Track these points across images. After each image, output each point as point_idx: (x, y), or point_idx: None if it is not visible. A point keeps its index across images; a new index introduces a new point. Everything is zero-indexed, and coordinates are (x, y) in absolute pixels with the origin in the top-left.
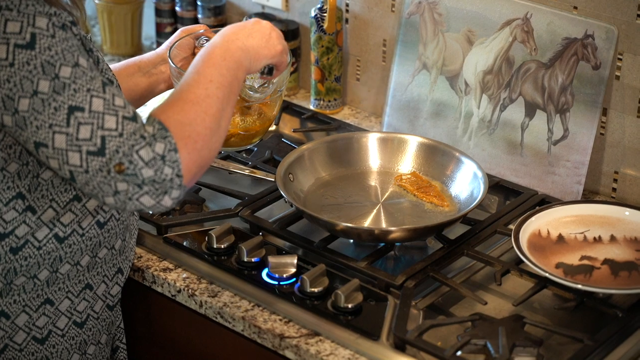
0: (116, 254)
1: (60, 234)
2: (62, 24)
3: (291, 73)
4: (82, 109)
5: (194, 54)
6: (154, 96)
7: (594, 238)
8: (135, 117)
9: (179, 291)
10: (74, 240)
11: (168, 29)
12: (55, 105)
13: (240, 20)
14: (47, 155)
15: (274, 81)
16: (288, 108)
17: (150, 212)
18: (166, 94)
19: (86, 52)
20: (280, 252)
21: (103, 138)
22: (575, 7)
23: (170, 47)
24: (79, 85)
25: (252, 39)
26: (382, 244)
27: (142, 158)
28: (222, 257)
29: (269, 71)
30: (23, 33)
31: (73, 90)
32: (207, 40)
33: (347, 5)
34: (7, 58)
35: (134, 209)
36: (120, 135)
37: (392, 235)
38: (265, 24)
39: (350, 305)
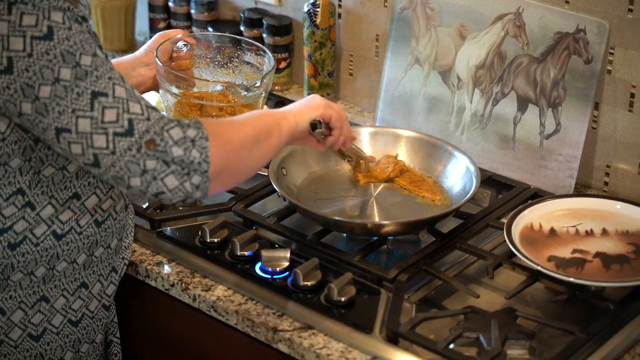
0: (112, 253)
1: (58, 231)
2: (75, 17)
3: (284, 69)
4: (105, 94)
5: (171, 58)
6: None
7: (586, 231)
8: (155, 108)
9: (173, 285)
10: (72, 238)
11: (161, 25)
12: (78, 91)
13: (233, 16)
14: (70, 141)
15: (265, 81)
16: (281, 103)
17: (168, 199)
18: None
19: (98, 47)
20: (273, 246)
21: (130, 120)
22: (567, 2)
23: (157, 49)
24: (100, 72)
25: (296, 103)
26: (375, 238)
27: (172, 137)
28: (216, 251)
29: (320, 125)
30: (39, 26)
31: (95, 77)
32: (185, 45)
33: (339, 0)
34: (25, 49)
35: (155, 191)
36: (148, 119)
37: (385, 229)
38: (316, 96)
39: (343, 299)
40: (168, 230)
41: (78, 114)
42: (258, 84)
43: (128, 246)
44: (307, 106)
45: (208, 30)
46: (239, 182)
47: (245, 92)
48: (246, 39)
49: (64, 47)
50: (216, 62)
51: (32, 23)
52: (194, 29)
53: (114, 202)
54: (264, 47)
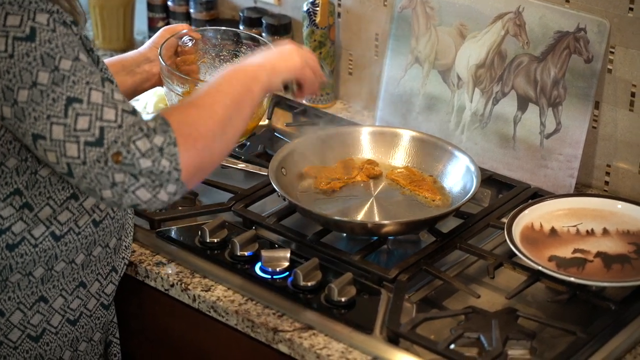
0: (111, 252)
1: (57, 232)
2: (63, 20)
3: None
4: (80, 101)
5: (176, 54)
6: (139, 94)
7: (587, 231)
8: (134, 111)
9: (172, 285)
10: (70, 239)
11: (160, 24)
12: (54, 97)
13: (233, 15)
14: (45, 148)
15: None
16: (281, 102)
17: (146, 208)
18: (155, 90)
19: (86, 50)
20: (273, 246)
21: (102, 129)
22: (567, 1)
23: (161, 46)
24: (78, 77)
25: (271, 57)
26: (375, 238)
27: (139, 148)
28: (215, 251)
29: (291, 87)
30: (23, 26)
31: (72, 82)
32: (190, 40)
33: None
34: (7, 50)
35: (130, 203)
36: (120, 126)
37: (385, 229)
38: (288, 43)
39: (343, 299)
40: (168, 230)
41: (52, 120)
42: None
43: (128, 246)
44: (283, 63)
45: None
46: (216, 167)
47: None
48: (252, 34)
49: (45, 49)
50: (221, 58)
51: (15, 23)
52: (181, 23)
53: None
54: (270, 44)
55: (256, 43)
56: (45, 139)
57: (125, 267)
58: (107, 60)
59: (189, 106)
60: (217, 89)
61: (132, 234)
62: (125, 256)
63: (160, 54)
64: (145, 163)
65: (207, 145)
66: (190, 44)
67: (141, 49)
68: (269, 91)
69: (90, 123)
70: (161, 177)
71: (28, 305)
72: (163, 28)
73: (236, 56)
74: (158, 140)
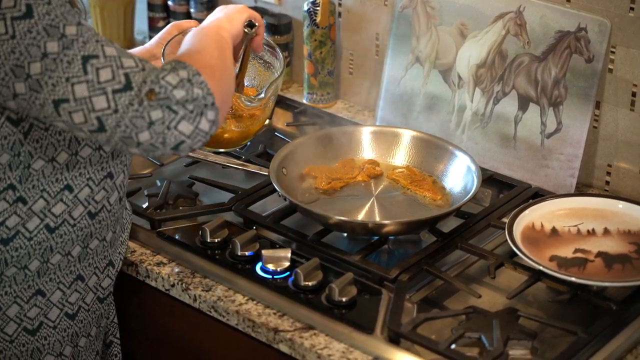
0: (107, 245)
1: (51, 224)
2: None
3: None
4: (96, 56)
5: None
6: None
7: (588, 231)
8: (147, 62)
9: (173, 285)
10: (65, 231)
11: (161, 24)
12: (68, 60)
13: None
14: (70, 110)
15: (272, 87)
16: (281, 102)
17: (190, 146)
18: None
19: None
20: (274, 246)
21: (127, 75)
22: (568, 0)
23: (165, 45)
24: (87, 37)
25: (218, 13)
26: (376, 238)
27: (169, 82)
28: (216, 251)
29: (250, 25)
30: (18, 6)
31: (82, 43)
32: None
33: None
34: (7, 32)
35: (173, 141)
36: (143, 70)
37: (386, 229)
38: (218, 7)
39: (344, 299)
40: (169, 230)
41: (73, 81)
42: (262, 95)
43: (124, 241)
44: (232, 12)
45: None
46: (230, 104)
47: (249, 103)
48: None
49: (46, 22)
50: None
51: (10, 4)
52: (189, 20)
53: (107, 194)
54: (277, 47)
55: (268, 45)
56: (69, 100)
57: (121, 261)
58: None
59: (190, 53)
60: (198, 42)
61: (129, 229)
62: (122, 251)
63: (163, 54)
64: (180, 93)
65: (221, 75)
66: None
67: (147, 45)
68: (233, 37)
69: (113, 73)
70: (198, 103)
71: (25, 299)
72: (171, 24)
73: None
74: (183, 73)
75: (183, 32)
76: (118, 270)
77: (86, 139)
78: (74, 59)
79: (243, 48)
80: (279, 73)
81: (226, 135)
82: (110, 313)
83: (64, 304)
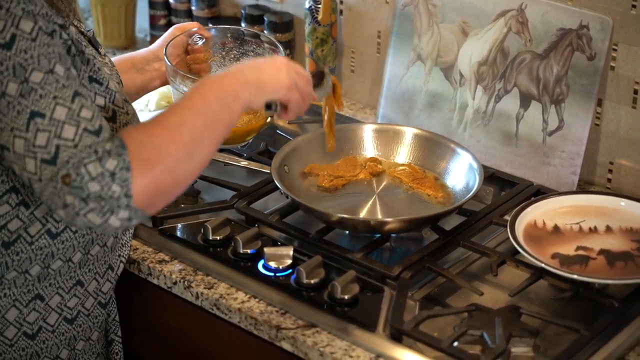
0: (108, 251)
1: (53, 229)
2: (50, 30)
3: None
4: (42, 115)
5: (187, 52)
6: (149, 92)
7: (590, 228)
8: (98, 132)
9: (175, 283)
10: (67, 237)
11: (162, 21)
12: (19, 109)
13: (234, 13)
14: (10, 159)
15: None
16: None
17: (102, 232)
18: (162, 90)
19: (71, 58)
20: (276, 243)
21: (58, 147)
22: None
23: (166, 46)
24: (46, 91)
25: (257, 72)
26: (378, 235)
27: (89, 172)
28: (218, 249)
29: (275, 107)
30: (4, 32)
31: (39, 96)
32: (200, 38)
33: None
34: None
35: (82, 225)
36: (75, 146)
37: (388, 227)
38: (280, 59)
39: (346, 297)
40: (171, 228)
41: (15, 132)
42: None
43: (125, 243)
44: (269, 82)
45: (208, 27)
46: (183, 190)
47: None
48: (263, 34)
49: (19, 59)
50: (231, 56)
51: None
52: (191, 22)
53: None
54: (279, 44)
55: (269, 43)
56: (9, 150)
57: (122, 264)
58: (118, 57)
59: (154, 125)
60: (189, 106)
61: (130, 231)
62: (122, 254)
63: (165, 53)
64: (94, 187)
65: (166, 169)
66: (200, 42)
67: (152, 47)
68: (247, 110)
69: (48, 140)
70: (111, 202)
71: (24, 303)
72: (174, 26)
73: (247, 55)
74: (110, 164)
75: (185, 33)
76: (118, 273)
77: None
78: (24, 110)
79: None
80: None
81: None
82: (112, 311)
83: (63, 309)
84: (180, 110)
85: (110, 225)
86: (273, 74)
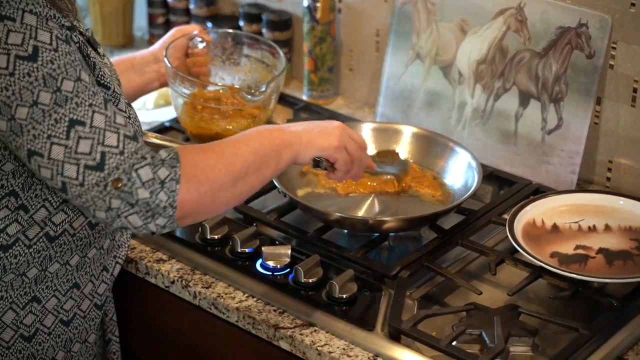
0: (104, 253)
1: (51, 233)
2: (65, 36)
3: None
4: (83, 123)
5: (187, 55)
6: (146, 94)
7: (589, 227)
8: (136, 137)
9: (173, 282)
10: (65, 240)
11: (160, 20)
12: (56, 117)
13: (233, 11)
14: (40, 165)
15: (271, 85)
16: (281, 99)
17: (135, 233)
18: (162, 91)
19: (88, 66)
20: (274, 242)
21: (103, 154)
22: None
23: (167, 48)
24: (81, 99)
25: (312, 128)
26: (376, 234)
27: (140, 177)
28: (216, 248)
29: (321, 164)
30: (25, 45)
31: (75, 104)
32: (200, 42)
33: None
34: (8, 67)
35: (119, 226)
36: (121, 153)
37: (387, 226)
38: (337, 123)
39: (344, 296)
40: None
41: (53, 140)
42: (263, 88)
43: (122, 244)
44: (319, 139)
45: (207, 26)
46: (215, 215)
47: (251, 97)
48: (263, 39)
49: (47, 70)
50: (232, 60)
51: (17, 42)
52: (192, 24)
53: None
54: (278, 49)
55: (269, 47)
56: (43, 156)
57: (118, 265)
58: (117, 58)
59: (209, 150)
60: (246, 142)
61: (128, 233)
62: (118, 254)
63: (165, 55)
64: (144, 194)
65: (210, 191)
66: (201, 45)
67: (151, 48)
68: (296, 162)
69: (92, 147)
70: (156, 209)
71: (20, 305)
72: (175, 28)
73: (247, 59)
74: (162, 173)
75: (186, 36)
76: (114, 274)
77: None
78: (62, 118)
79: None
80: (279, 71)
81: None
82: (109, 311)
83: (59, 311)
84: (238, 144)
85: (148, 229)
86: (325, 133)
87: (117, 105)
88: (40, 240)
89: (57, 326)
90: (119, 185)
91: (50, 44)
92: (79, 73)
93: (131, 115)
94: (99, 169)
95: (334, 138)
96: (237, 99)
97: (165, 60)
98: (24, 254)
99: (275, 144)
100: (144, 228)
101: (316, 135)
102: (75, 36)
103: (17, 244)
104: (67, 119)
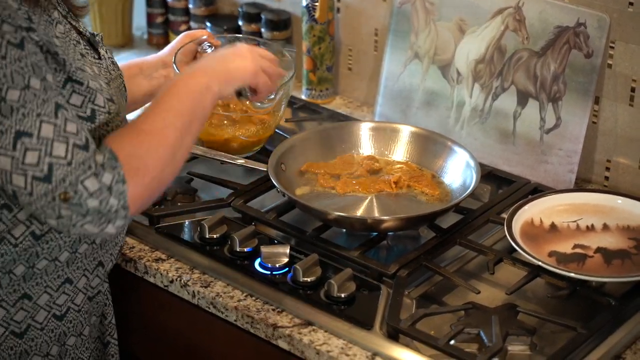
0: (97, 248)
1: (37, 231)
2: (19, 39)
3: None
4: (30, 135)
5: (195, 59)
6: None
7: (587, 226)
8: (86, 146)
9: (172, 281)
10: (51, 237)
11: (159, 19)
12: (2, 129)
13: (232, 11)
14: None
15: (280, 92)
16: None
17: (94, 238)
18: None
19: (47, 64)
20: (272, 242)
21: (51, 165)
22: None
23: (176, 53)
24: (28, 109)
25: (223, 63)
26: (375, 234)
27: (87, 188)
28: (215, 247)
29: (245, 93)
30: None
31: (22, 115)
32: (209, 46)
33: None
34: None
35: (77, 234)
36: (69, 164)
37: (385, 225)
38: (241, 46)
39: (343, 295)
40: (167, 226)
41: (0, 152)
42: (272, 96)
43: (119, 242)
44: (235, 70)
45: (206, 25)
46: (164, 189)
47: (260, 104)
48: (274, 44)
49: None
50: None
51: None
52: (191, 24)
53: None
54: (288, 54)
55: (279, 52)
56: None
57: (113, 261)
58: (127, 63)
59: (138, 132)
60: (167, 108)
61: (124, 230)
62: (114, 251)
63: (174, 61)
64: (93, 203)
65: (155, 177)
66: (209, 50)
67: (160, 53)
68: (220, 99)
69: (39, 158)
70: (109, 215)
71: (10, 303)
72: (183, 33)
73: None
74: (107, 178)
75: (195, 41)
76: (109, 270)
77: None
78: (8, 130)
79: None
80: (288, 77)
81: (237, 143)
82: (108, 314)
83: (52, 306)
84: (159, 113)
85: (106, 233)
86: (237, 62)
87: (93, 102)
88: (26, 238)
89: (50, 321)
90: (67, 197)
91: None
92: (27, 80)
93: (111, 111)
94: (47, 180)
95: (248, 63)
96: (246, 105)
97: (174, 65)
98: (9, 252)
99: (194, 95)
100: (102, 233)
101: (230, 68)
102: (36, 35)
103: (2, 243)
104: (13, 130)
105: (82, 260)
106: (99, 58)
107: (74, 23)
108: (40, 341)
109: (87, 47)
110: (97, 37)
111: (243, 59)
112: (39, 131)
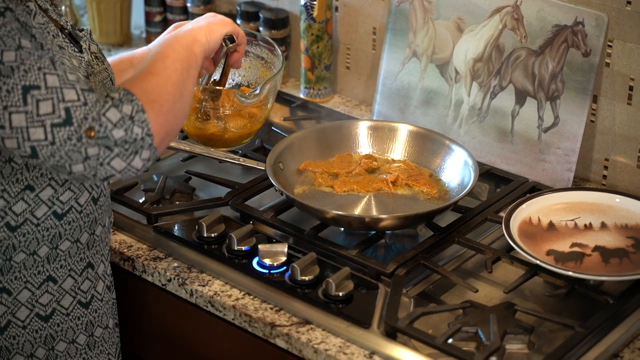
0: (106, 231)
1: (59, 211)
2: (2, 9)
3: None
4: (37, 87)
5: None
6: None
7: (585, 225)
8: (92, 89)
9: (170, 280)
10: (73, 217)
11: (157, 18)
12: (7, 88)
13: (230, 9)
14: (3, 137)
15: (267, 87)
16: (278, 97)
17: (119, 178)
18: None
19: (29, 36)
20: (270, 240)
21: (67, 109)
22: None
23: None
24: (28, 65)
25: (202, 20)
26: (373, 232)
27: (110, 120)
28: (213, 246)
29: (230, 39)
30: None
31: (23, 72)
32: None
33: None
34: None
35: (104, 175)
36: (85, 104)
37: (383, 223)
38: (210, 13)
39: (341, 294)
40: (165, 225)
41: (11, 110)
42: (257, 91)
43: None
44: (215, 23)
45: None
46: (179, 130)
47: (244, 99)
48: (261, 35)
49: None
50: None
51: None
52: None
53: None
54: (276, 45)
55: (268, 44)
56: (4, 128)
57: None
58: (117, 57)
59: (146, 74)
60: (165, 55)
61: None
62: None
63: None
64: (119, 133)
65: (170, 108)
66: None
67: (150, 45)
68: (207, 51)
69: (53, 106)
70: (135, 144)
71: (36, 285)
72: (173, 25)
73: (246, 55)
74: (127, 109)
75: None
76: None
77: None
78: (14, 87)
79: (223, 61)
80: (276, 71)
81: (227, 136)
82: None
83: (77, 292)
84: (159, 60)
85: (132, 167)
86: (213, 18)
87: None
88: (49, 218)
89: (76, 308)
90: (92, 134)
91: None
92: (18, 41)
93: (88, 102)
94: (68, 123)
95: (221, 18)
96: (232, 100)
97: None
98: (32, 232)
99: (185, 45)
100: (129, 168)
101: (210, 22)
102: (14, 14)
103: (25, 223)
104: (19, 87)
105: (99, 244)
106: (80, 51)
107: (54, 17)
108: (66, 327)
109: (66, 40)
110: (82, 32)
111: (216, 16)
112: (45, 82)
